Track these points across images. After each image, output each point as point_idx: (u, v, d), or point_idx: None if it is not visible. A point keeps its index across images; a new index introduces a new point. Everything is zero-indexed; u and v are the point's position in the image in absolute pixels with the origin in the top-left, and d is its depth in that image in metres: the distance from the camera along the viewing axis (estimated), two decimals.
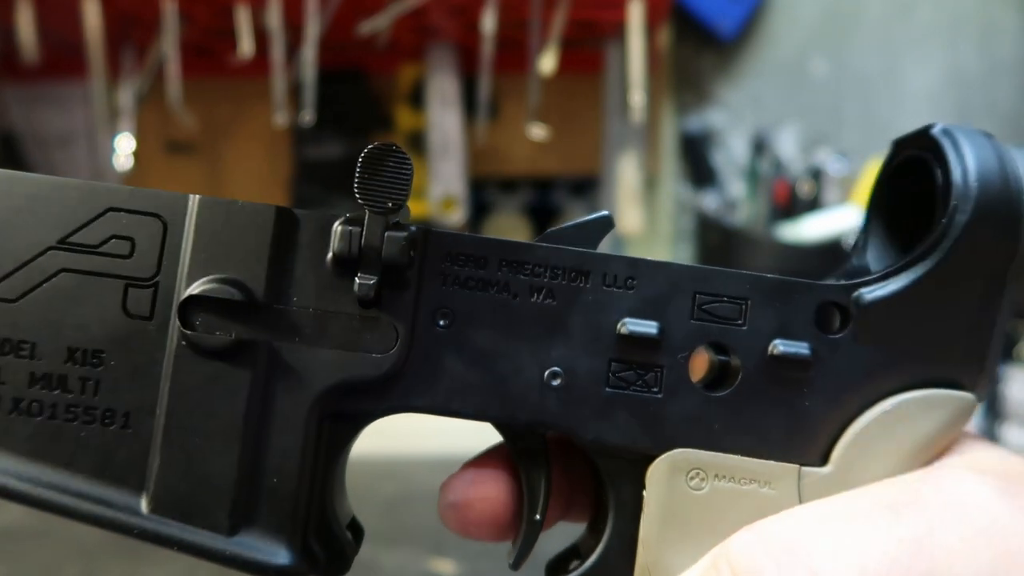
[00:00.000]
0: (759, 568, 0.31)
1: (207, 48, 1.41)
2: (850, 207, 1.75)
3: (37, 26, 1.21)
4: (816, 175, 1.79)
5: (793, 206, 1.78)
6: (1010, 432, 1.36)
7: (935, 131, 0.36)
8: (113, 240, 0.34)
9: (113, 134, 1.38)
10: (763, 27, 1.85)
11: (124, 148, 1.40)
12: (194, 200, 0.34)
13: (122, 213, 0.34)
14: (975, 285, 0.35)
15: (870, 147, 1.78)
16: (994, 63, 1.90)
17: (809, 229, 1.72)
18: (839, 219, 1.72)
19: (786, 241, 1.72)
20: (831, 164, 1.79)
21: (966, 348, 0.35)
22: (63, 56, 1.39)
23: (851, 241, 1.63)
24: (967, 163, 0.35)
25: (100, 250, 0.34)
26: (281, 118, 1.28)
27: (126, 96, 1.36)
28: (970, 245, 0.34)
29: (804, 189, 1.79)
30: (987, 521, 0.30)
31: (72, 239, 0.34)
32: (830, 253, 1.64)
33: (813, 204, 1.78)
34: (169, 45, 1.23)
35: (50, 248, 0.34)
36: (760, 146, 1.81)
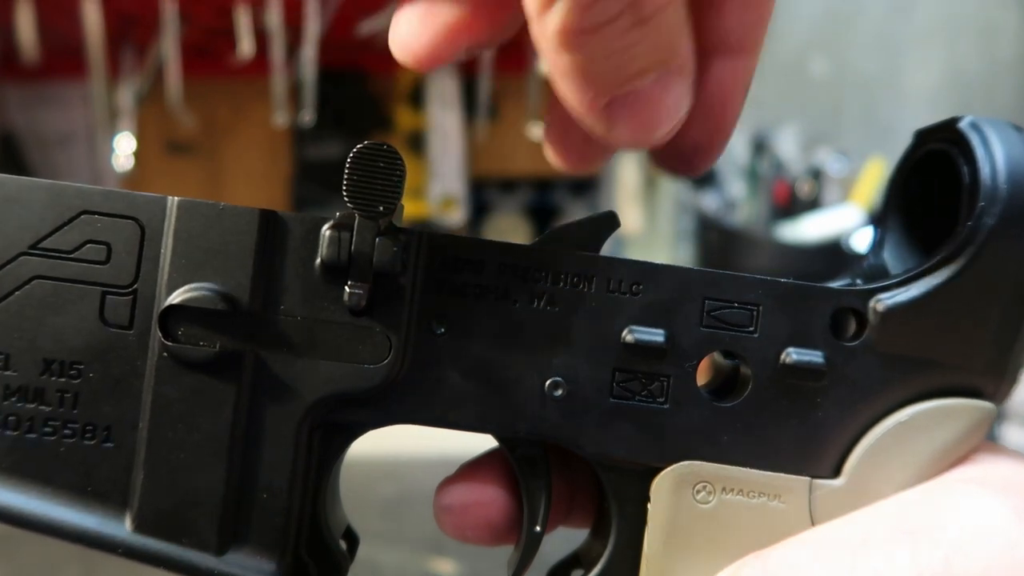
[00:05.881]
0: None
1: (207, 48, 1.41)
2: (850, 207, 1.75)
3: (37, 26, 1.21)
4: (816, 175, 1.79)
5: (793, 206, 1.78)
6: (1010, 432, 1.36)
7: (962, 124, 0.34)
8: (88, 245, 0.32)
9: (113, 134, 1.38)
10: None
11: (124, 148, 1.40)
12: (173, 202, 0.32)
13: (97, 216, 0.32)
14: (1001, 291, 0.33)
15: (870, 147, 1.78)
16: (994, 63, 1.90)
17: (809, 229, 1.72)
18: (839, 219, 1.72)
19: (786, 241, 1.72)
20: (831, 164, 1.79)
21: (988, 356, 0.33)
22: (63, 56, 1.39)
23: (852, 241, 1.64)
24: (997, 161, 0.33)
25: (75, 256, 0.32)
26: (281, 118, 1.28)
27: (126, 96, 1.36)
28: (997, 250, 0.32)
29: (804, 189, 1.79)
30: (1006, 544, 0.29)
31: (45, 244, 0.32)
32: (830, 253, 1.64)
33: (813, 204, 1.78)
34: (169, 45, 1.23)
35: (22, 254, 0.32)
36: (760, 146, 1.81)
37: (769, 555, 0.32)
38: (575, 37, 0.27)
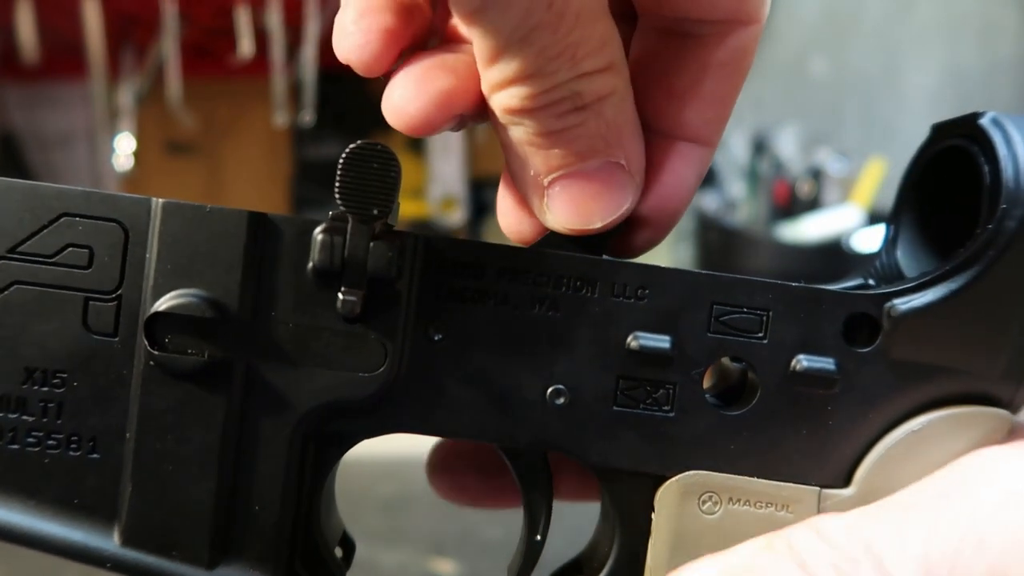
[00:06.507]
0: (818, 548, 0.29)
1: (207, 48, 1.41)
2: (850, 207, 1.75)
3: (37, 26, 1.21)
4: (816, 175, 1.79)
5: (793, 206, 1.78)
6: None
7: (984, 120, 0.32)
8: (70, 249, 0.31)
9: (113, 134, 1.38)
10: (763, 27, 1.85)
11: (124, 148, 1.40)
12: (157, 205, 0.31)
13: (78, 219, 0.31)
14: (1022, 297, 0.32)
15: (870, 147, 1.78)
16: (994, 62, 1.90)
17: (809, 229, 1.72)
18: (839, 219, 1.72)
19: (786, 241, 1.72)
20: (831, 164, 1.79)
21: (1006, 363, 0.32)
22: (63, 56, 1.39)
23: (852, 241, 1.64)
24: (1020, 161, 0.31)
25: (56, 260, 0.31)
26: (281, 118, 1.28)
27: (126, 96, 1.36)
28: (1019, 254, 0.31)
29: (804, 189, 1.78)
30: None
31: (24, 248, 0.31)
32: (830, 253, 1.64)
33: (813, 204, 1.78)
34: (169, 45, 1.23)
35: (0, 258, 0.31)
36: (760, 146, 1.81)
37: (812, 519, 0.32)
38: (521, 114, 0.30)
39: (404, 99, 0.31)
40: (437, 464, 0.39)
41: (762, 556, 0.31)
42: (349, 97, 1.47)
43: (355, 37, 0.32)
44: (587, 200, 0.31)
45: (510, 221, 0.36)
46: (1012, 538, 0.28)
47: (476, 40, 0.29)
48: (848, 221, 1.70)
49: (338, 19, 0.32)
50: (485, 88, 0.30)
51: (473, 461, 0.39)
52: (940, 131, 0.36)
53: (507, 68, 0.29)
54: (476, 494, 0.39)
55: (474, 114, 0.32)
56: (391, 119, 0.32)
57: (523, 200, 0.34)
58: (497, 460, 0.38)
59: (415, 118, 0.31)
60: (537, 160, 0.31)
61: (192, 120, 1.36)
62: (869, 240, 1.60)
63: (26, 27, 1.20)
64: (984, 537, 0.28)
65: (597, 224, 0.32)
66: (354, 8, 0.32)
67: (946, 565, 0.28)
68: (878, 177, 1.74)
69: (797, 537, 0.31)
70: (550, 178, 0.31)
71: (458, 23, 0.35)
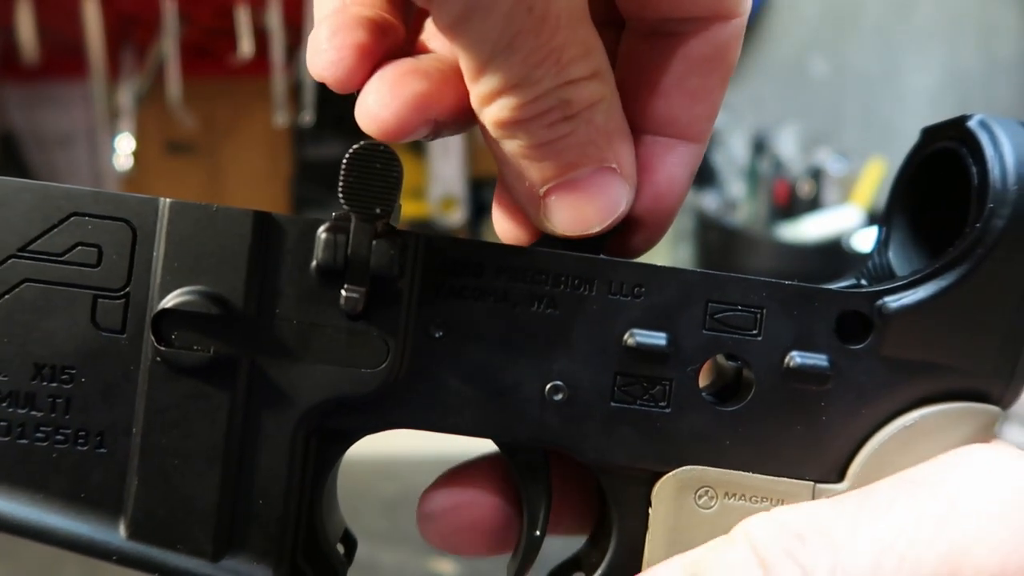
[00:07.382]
0: (778, 538, 0.30)
1: (207, 48, 1.41)
2: (850, 207, 1.75)
3: (37, 26, 1.21)
4: (816, 175, 1.79)
5: (793, 206, 1.78)
6: (1010, 432, 1.36)
7: (971, 123, 0.33)
8: (79, 248, 0.32)
9: (113, 134, 1.38)
10: (763, 27, 1.85)
11: (124, 148, 1.40)
12: (165, 204, 0.32)
13: (87, 218, 0.31)
14: (1010, 294, 0.32)
15: (870, 147, 1.79)
16: (994, 63, 1.90)
17: (809, 229, 1.73)
18: (839, 219, 1.72)
19: (786, 241, 1.72)
20: (831, 164, 1.79)
21: (996, 360, 0.33)
22: (63, 56, 1.39)
23: (852, 241, 1.64)
24: (1007, 162, 0.32)
25: (65, 259, 0.32)
26: (281, 118, 1.29)
27: (126, 96, 1.36)
28: (1006, 253, 0.32)
29: (804, 189, 1.79)
30: (1011, 490, 0.29)
31: (34, 247, 0.32)
32: (830, 253, 1.64)
33: (813, 204, 1.78)
34: (169, 45, 1.24)
35: (11, 257, 0.31)
36: (760, 146, 1.81)
37: (774, 511, 0.32)
38: (512, 127, 0.30)
39: (379, 104, 0.31)
40: (430, 512, 0.37)
41: (721, 546, 0.32)
42: (349, 97, 1.47)
43: (329, 54, 0.32)
44: (583, 207, 0.32)
45: (506, 227, 0.36)
46: (966, 530, 0.28)
47: (461, 55, 0.29)
48: (848, 221, 1.70)
49: (312, 36, 0.32)
50: (475, 103, 0.30)
51: (469, 502, 0.37)
52: (930, 134, 0.36)
53: (494, 79, 0.29)
54: (477, 537, 0.38)
55: (449, 121, 0.32)
56: (365, 124, 0.31)
57: (519, 207, 0.34)
58: (495, 499, 0.37)
59: (389, 122, 0.31)
60: (531, 172, 0.31)
61: (192, 120, 1.36)
62: (869, 240, 1.61)
63: (26, 27, 1.20)
64: (946, 521, 0.29)
65: (595, 229, 0.32)
66: (327, 26, 0.32)
67: (898, 552, 0.28)
68: (878, 177, 1.74)
69: (754, 525, 0.31)
70: (545, 188, 0.32)
71: (429, 39, 0.35)
